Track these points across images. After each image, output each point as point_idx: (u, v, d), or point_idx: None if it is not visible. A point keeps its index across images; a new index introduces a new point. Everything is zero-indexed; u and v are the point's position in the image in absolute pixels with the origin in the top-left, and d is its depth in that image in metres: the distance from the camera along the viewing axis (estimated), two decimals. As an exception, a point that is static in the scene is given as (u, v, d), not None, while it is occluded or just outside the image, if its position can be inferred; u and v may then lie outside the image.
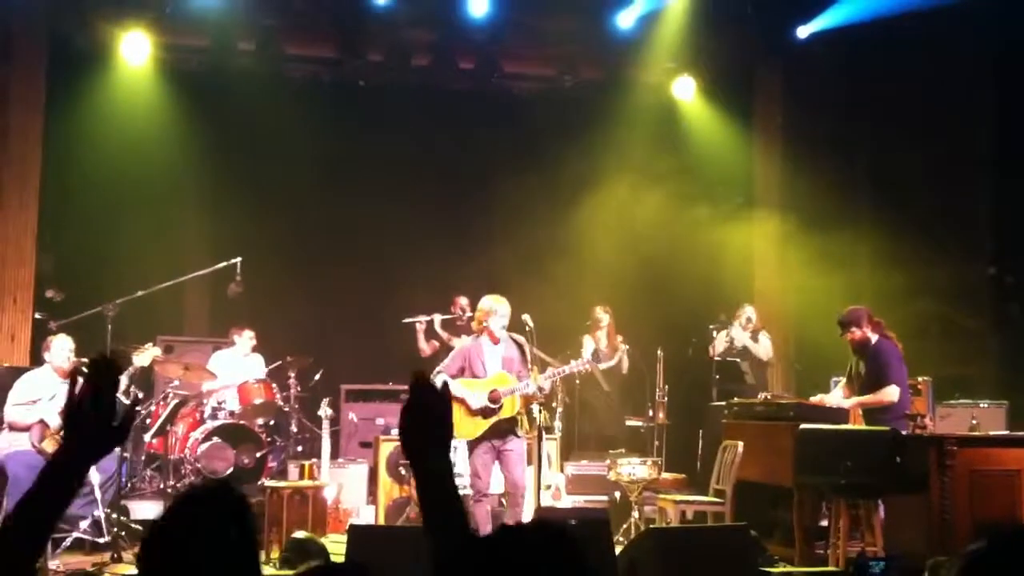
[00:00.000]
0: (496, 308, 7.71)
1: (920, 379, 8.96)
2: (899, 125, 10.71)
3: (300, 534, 7.20)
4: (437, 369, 7.87)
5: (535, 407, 7.78)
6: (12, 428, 7.67)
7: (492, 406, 7.53)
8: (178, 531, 2.18)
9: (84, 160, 10.20)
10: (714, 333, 10.13)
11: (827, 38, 10.95)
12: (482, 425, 7.56)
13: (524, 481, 7.62)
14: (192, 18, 10.37)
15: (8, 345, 9.52)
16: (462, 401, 7.52)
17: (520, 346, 7.74)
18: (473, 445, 7.64)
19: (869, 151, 11.23)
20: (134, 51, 10.42)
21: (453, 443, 8.68)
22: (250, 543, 2.23)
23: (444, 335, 10.16)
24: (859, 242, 10.43)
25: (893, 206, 10.61)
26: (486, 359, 7.70)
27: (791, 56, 11.36)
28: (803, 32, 11.01)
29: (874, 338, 7.85)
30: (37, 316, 9.52)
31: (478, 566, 1.95)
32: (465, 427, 7.55)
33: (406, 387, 7.96)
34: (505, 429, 7.59)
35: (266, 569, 7.33)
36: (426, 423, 2.29)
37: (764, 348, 10.22)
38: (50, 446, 7.57)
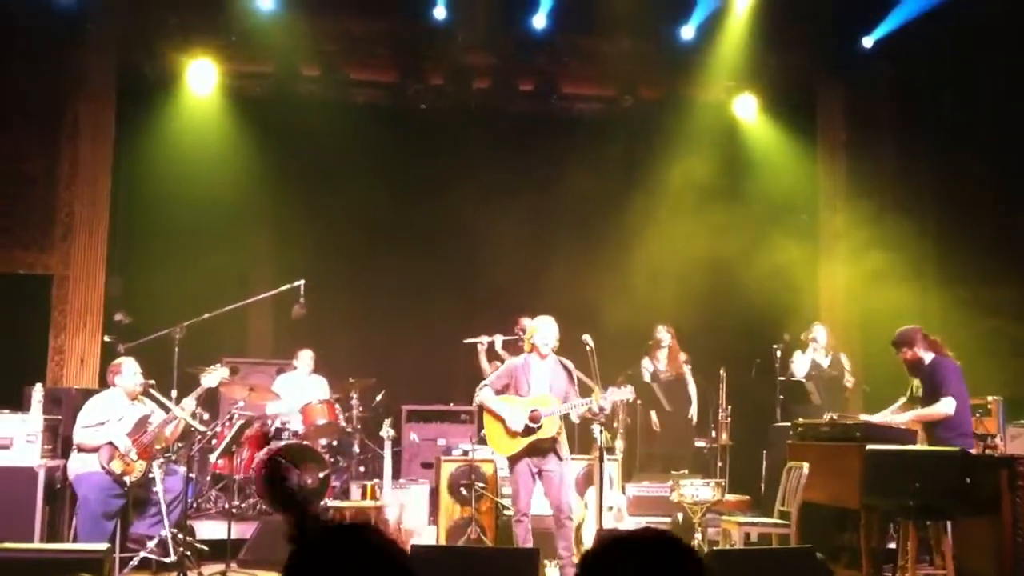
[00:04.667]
0: (538, 327, 7.75)
1: (990, 398, 8.77)
2: (966, 140, 10.53)
3: (362, 554, 7.20)
4: (483, 383, 7.92)
5: (596, 428, 7.75)
6: (81, 449, 7.79)
7: (532, 425, 7.52)
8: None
9: (152, 186, 10.42)
10: (778, 353, 10.01)
11: (890, 53, 10.82)
12: (520, 443, 7.55)
13: (567, 503, 7.58)
14: (257, 45, 10.56)
15: (78, 368, 9.74)
16: (501, 419, 7.59)
17: (567, 369, 7.72)
18: (512, 463, 7.65)
19: (935, 167, 11.05)
20: (200, 79, 10.66)
21: (496, 456, 8.75)
22: None
23: (506, 356, 10.15)
24: (926, 260, 10.26)
25: (961, 223, 10.42)
26: (532, 378, 7.69)
27: (854, 72, 11.26)
28: (867, 42, 10.88)
29: (928, 357, 7.66)
30: (106, 339, 9.72)
31: None
32: (504, 443, 7.63)
33: (467, 408, 7.93)
34: (544, 449, 7.57)
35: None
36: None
37: (847, 370, 10.04)
38: (118, 467, 7.70)
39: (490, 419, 7.75)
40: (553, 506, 7.58)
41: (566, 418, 7.75)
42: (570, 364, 7.75)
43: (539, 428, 7.52)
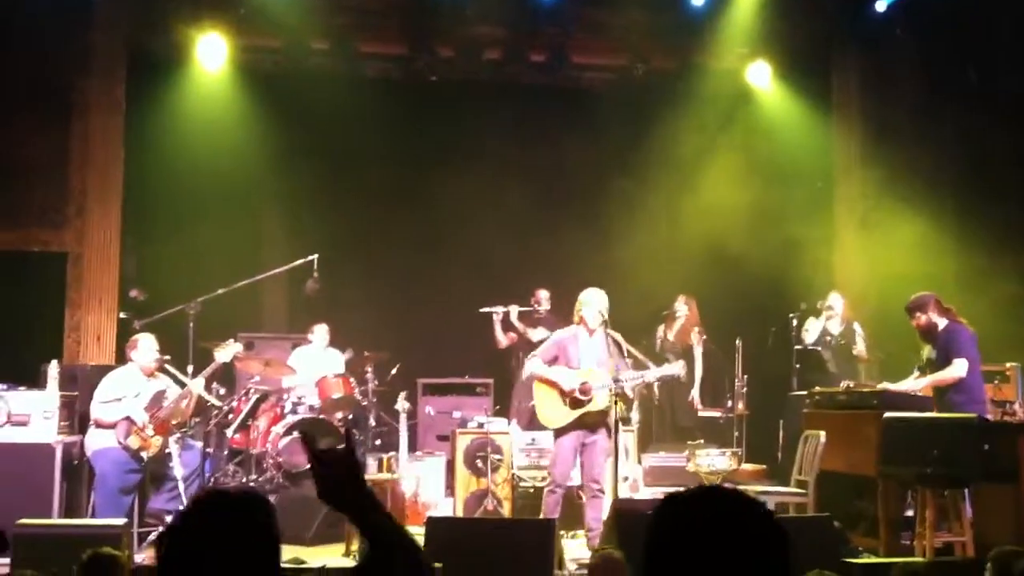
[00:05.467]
0: (587, 301, 7.68)
1: (1008, 365, 8.71)
2: (989, 105, 10.40)
3: (379, 527, 7.23)
4: (532, 354, 7.92)
5: (611, 399, 7.73)
6: (98, 425, 7.84)
7: (581, 397, 7.50)
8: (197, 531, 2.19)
9: (164, 163, 10.38)
10: (794, 322, 9.97)
11: (907, 16, 10.67)
12: (569, 415, 7.55)
13: (603, 477, 7.58)
14: (266, 19, 10.50)
15: (94, 345, 9.76)
16: (554, 386, 7.58)
17: (617, 343, 7.68)
18: (559, 433, 7.65)
19: (956, 133, 10.90)
20: (210, 53, 10.60)
21: (530, 435, 8.79)
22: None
23: (520, 327, 10.18)
24: (943, 227, 10.15)
25: (982, 189, 10.30)
26: (581, 351, 7.66)
27: (869, 35, 11.11)
28: (880, 5, 10.74)
29: (942, 323, 7.64)
30: (122, 316, 9.74)
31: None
32: (552, 415, 7.62)
33: (483, 380, 7.92)
34: (593, 423, 7.56)
35: (347, 561, 7.40)
36: (341, 483, 2.25)
37: (860, 341, 9.99)
38: (135, 443, 7.74)
39: (542, 388, 7.70)
40: (589, 478, 7.59)
41: None
42: (620, 337, 7.71)
43: (589, 401, 7.50)
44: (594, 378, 7.52)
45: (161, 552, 2.18)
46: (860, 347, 9.90)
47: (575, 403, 7.53)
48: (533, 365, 7.73)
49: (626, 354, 7.68)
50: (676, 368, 8.00)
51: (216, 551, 2.13)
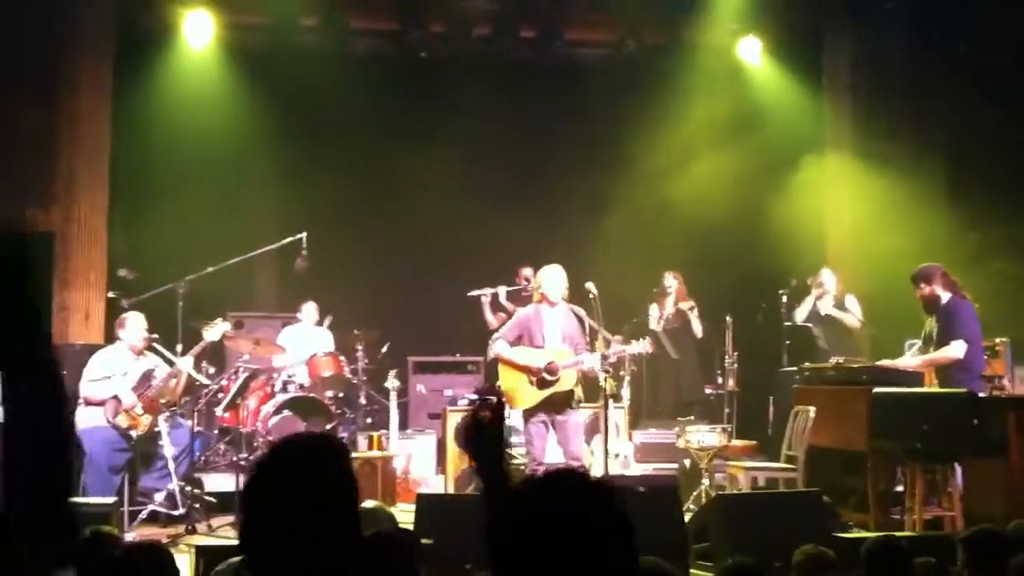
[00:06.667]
0: (546, 277, 7.69)
1: (998, 340, 8.71)
2: (977, 79, 10.36)
3: (369, 503, 7.21)
4: (495, 336, 7.88)
5: (601, 376, 7.72)
6: (87, 403, 7.83)
7: (548, 378, 7.47)
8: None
9: (153, 141, 10.30)
10: (784, 299, 9.96)
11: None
12: (537, 396, 7.52)
13: (582, 452, 7.59)
14: (254, -5, 10.45)
15: (83, 323, 9.69)
16: (520, 368, 7.55)
17: (579, 318, 7.67)
18: (527, 415, 7.62)
19: (945, 107, 10.86)
20: (198, 31, 10.51)
21: (507, 413, 8.75)
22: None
23: (510, 307, 10.13)
24: (935, 203, 10.13)
25: (974, 163, 10.27)
26: (545, 329, 7.64)
27: (860, 9, 11.05)
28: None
29: (946, 296, 7.59)
30: (110, 295, 9.69)
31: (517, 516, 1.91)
32: (519, 396, 7.57)
33: (473, 358, 7.91)
34: (560, 402, 7.55)
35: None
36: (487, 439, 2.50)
37: (855, 313, 9.96)
38: (124, 421, 7.73)
39: (507, 371, 7.66)
40: (568, 456, 7.57)
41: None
42: (582, 312, 7.70)
43: (556, 381, 7.48)
44: (560, 357, 7.48)
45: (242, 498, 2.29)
46: (852, 320, 9.88)
47: (542, 384, 7.50)
48: (498, 347, 7.70)
49: (587, 330, 7.65)
50: (643, 346, 8.00)
51: (296, 492, 2.22)
